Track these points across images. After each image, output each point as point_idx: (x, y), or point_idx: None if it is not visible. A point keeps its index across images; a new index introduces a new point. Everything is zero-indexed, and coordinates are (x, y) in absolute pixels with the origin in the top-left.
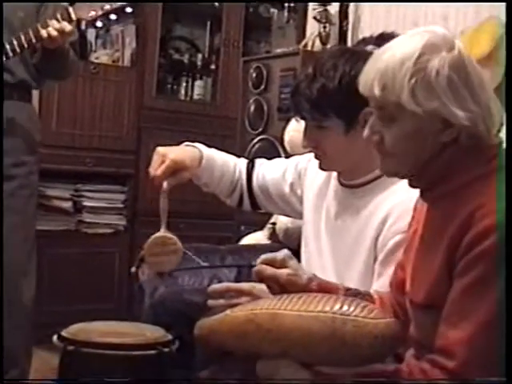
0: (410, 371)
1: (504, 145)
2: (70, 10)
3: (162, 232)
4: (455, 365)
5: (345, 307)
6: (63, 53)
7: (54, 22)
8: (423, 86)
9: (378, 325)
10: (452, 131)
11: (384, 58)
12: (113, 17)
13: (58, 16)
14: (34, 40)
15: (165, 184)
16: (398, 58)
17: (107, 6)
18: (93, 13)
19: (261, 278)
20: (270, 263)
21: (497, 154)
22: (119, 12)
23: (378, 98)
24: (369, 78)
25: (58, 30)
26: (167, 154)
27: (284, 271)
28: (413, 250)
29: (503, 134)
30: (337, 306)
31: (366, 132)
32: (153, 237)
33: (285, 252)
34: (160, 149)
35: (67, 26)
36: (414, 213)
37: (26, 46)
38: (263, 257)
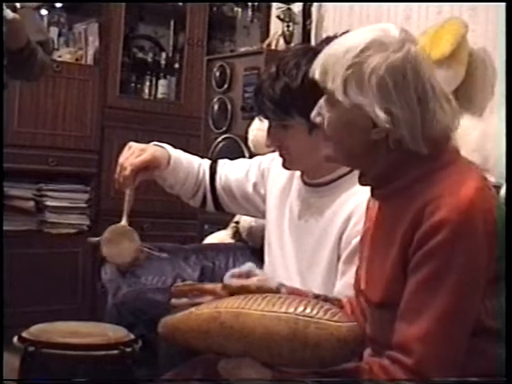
0: (369, 368)
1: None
2: None
3: (123, 223)
4: (413, 361)
5: (308, 309)
6: (31, 53)
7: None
8: (356, 79)
9: (341, 328)
10: (379, 131)
11: (333, 45)
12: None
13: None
14: None
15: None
16: (344, 48)
17: None
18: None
19: (230, 293)
20: (237, 277)
21: (445, 151)
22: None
23: (319, 81)
24: (317, 62)
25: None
26: (146, 149)
27: (252, 279)
28: (366, 248)
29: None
30: (300, 308)
31: (313, 112)
32: (112, 226)
33: (249, 265)
34: (135, 144)
35: (9, 14)
36: (367, 211)
37: None
38: (229, 273)
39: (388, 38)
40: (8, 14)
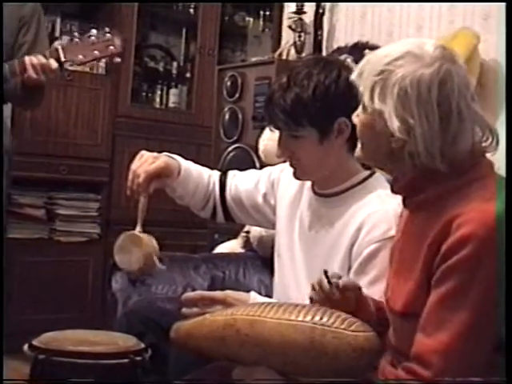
0: (385, 380)
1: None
2: (60, 49)
3: (136, 231)
4: (430, 374)
5: (325, 318)
6: (41, 88)
7: (40, 57)
8: (381, 86)
9: (358, 337)
10: (397, 140)
11: (376, 51)
12: (101, 64)
13: (47, 53)
14: (17, 71)
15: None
16: (380, 55)
17: (96, 52)
18: (81, 57)
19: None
20: None
21: (477, 166)
22: (107, 59)
23: (354, 81)
24: (359, 64)
25: (43, 66)
26: (159, 157)
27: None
28: (394, 257)
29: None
30: (317, 317)
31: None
32: (124, 234)
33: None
34: (147, 152)
35: (53, 64)
36: (399, 221)
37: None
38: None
39: (422, 51)
40: None
